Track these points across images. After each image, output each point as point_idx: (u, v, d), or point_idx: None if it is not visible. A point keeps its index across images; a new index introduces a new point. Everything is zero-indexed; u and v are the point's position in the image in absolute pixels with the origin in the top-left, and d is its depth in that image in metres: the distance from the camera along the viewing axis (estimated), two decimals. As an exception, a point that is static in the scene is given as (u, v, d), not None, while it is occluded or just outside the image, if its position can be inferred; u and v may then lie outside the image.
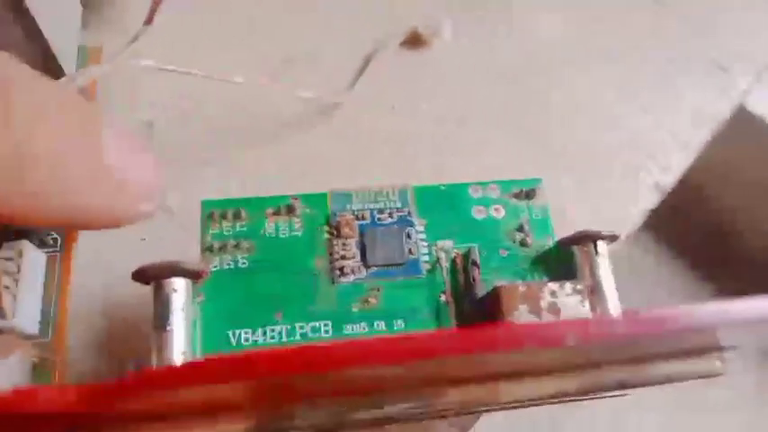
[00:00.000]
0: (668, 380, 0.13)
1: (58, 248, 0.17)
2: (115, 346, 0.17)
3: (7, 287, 0.15)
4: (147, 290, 0.18)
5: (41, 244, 0.16)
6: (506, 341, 0.08)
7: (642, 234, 0.21)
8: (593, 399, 0.14)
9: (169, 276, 0.13)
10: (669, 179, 0.23)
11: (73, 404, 0.08)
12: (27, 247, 0.15)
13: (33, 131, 0.09)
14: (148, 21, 0.14)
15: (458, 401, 0.12)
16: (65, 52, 0.18)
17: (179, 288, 0.13)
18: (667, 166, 0.23)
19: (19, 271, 0.15)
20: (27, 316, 0.15)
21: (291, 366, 0.07)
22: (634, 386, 0.12)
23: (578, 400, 0.14)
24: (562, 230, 0.16)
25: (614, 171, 0.22)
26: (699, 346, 0.13)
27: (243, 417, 0.12)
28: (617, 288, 0.15)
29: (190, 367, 0.08)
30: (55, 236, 0.17)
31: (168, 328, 0.13)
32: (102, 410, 0.09)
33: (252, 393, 0.11)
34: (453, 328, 0.14)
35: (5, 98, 0.08)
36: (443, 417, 0.16)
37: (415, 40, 0.23)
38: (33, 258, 0.16)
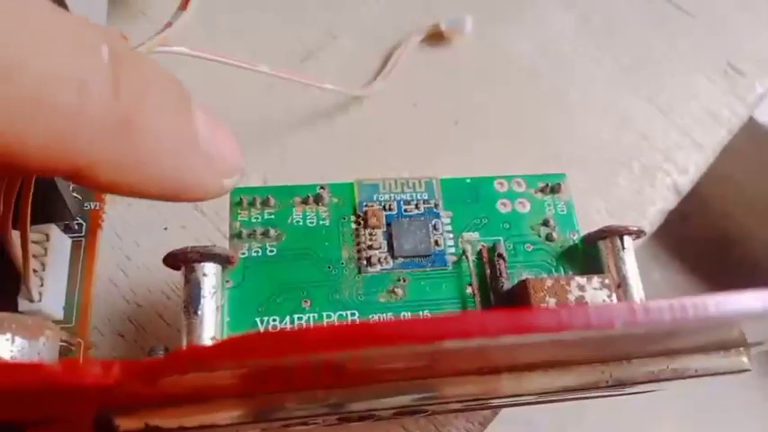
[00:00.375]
0: (696, 374, 0.13)
1: (83, 234, 0.17)
2: (137, 332, 0.17)
3: (35, 270, 0.15)
4: (170, 278, 0.18)
5: (67, 229, 0.16)
6: (554, 323, 0.08)
7: (647, 239, 0.21)
8: (623, 394, 0.14)
9: (200, 261, 0.13)
10: (686, 180, 0.23)
11: (117, 378, 0.08)
12: (54, 230, 0.15)
13: (140, 105, 0.09)
14: (183, 6, 0.14)
15: (471, 393, 0.12)
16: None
17: (209, 273, 0.13)
18: (685, 168, 0.23)
19: (46, 254, 0.15)
20: (53, 300, 0.15)
21: (346, 342, 0.07)
22: (663, 380, 0.12)
23: (610, 395, 0.14)
24: (582, 230, 0.16)
25: (632, 171, 0.22)
26: (726, 341, 0.13)
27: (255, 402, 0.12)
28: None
29: (220, 347, 0.08)
30: (80, 221, 0.17)
31: (198, 312, 0.13)
32: (144, 386, 0.09)
33: (283, 376, 0.11)
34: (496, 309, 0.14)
35: (116, 71, 0.09)
36: (464, 410, 0.16)
37: (436, 37, 0.23)
38: (59, 242, 0.16)
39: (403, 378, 0.12)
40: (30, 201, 0.14)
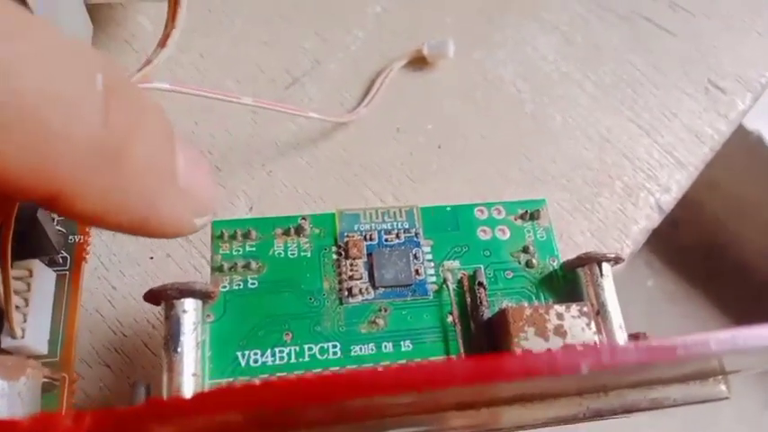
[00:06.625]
0: (675, 404, 0.13)
1: (67, 267, 0.17)
2: (123, 362, 0.17)
3: (17, 307, 0.15)
4: (155, 308, 0.18)
5: (51, 263, 0.16)
6: (520, 371, 0.08)
7: (640, 247, 0.22)
8: (599, 420, 0.14)
9: (180, 297, 0.13)
10: (669, 198, 0.23)
11: (89, 430, 0.09)
12: (37, 265, 0.16)
13: (127, 138, 0.09)
14: (162, 44, 0.14)
15: (460, 425, 0.12)
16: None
17: (189, 309, 0.13)
18: (667, 187, 0.23)
19: (29, 290, 0.15)
20: (37, 335, 0.15)
21: (297, 398, 0.08)
22: (641, 410, 0.13)
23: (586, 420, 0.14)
24: (565, 250, 0.16)
25: (615, 191, 0.22)
26: (704, 371, 0.13)
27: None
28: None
29: (200, 399, 0.08)
30: (65, 255, 0.17)
31: (179, 349, 0.13)
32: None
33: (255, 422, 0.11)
34: (464, 356, 0.14)
35: (108, 101, 0.08)
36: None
37: (419, 62, 0.23)
38: (43, 277, 0.16)
39: (368, 418, 0.12)
40: (10, 238, 0.14)
